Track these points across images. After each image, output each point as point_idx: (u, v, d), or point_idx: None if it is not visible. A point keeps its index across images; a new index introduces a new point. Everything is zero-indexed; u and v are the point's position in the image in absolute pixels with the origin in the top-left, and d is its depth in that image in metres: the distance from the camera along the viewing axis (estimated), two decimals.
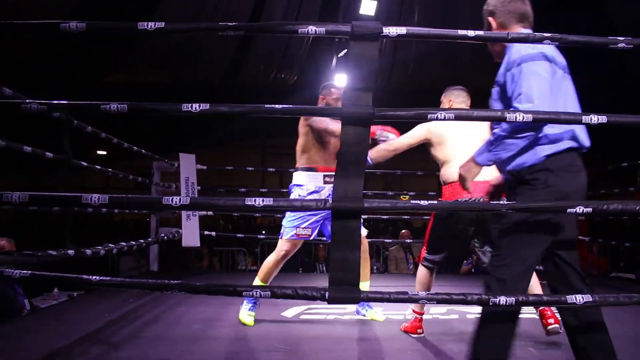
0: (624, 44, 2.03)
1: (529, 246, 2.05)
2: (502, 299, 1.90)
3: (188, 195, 5.38)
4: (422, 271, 3.47)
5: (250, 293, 1.85)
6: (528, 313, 4.09)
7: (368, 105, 1.88)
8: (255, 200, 1.84)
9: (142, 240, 4.51)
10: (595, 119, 2.00)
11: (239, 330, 3.50)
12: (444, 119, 1.88)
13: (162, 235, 5.48)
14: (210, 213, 6.34)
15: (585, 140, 2.14)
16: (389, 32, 1.93)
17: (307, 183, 3.68)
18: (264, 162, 13.87)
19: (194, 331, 3.45)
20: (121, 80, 10.73)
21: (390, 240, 7.49)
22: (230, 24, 1.95)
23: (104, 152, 13.15)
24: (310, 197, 3.64)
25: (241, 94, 9.84)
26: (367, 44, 1.91)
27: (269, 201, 1.84)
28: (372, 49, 1.91)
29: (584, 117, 2.00)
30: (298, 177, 3.76)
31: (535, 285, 3.40)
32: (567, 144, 2.08)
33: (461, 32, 1.96)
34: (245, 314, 3.67)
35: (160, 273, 6.34)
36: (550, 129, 2.05)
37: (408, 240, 7.15)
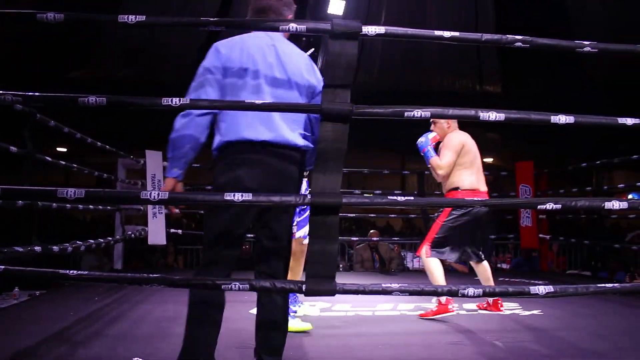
0: (589, 48, 2.12)
1: (215, 233, 2.09)
2: (471, 291, 1.96)
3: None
4: (434, 261, 3.89)
5: (229, 286, 1.86)
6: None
7: (346, 102, 1.91)
8: (234, 195, 1.86)
9: (110, 238, 4.44)
10: (563, 119, 2.09)
11: None
12: (421, 117, 1.93)
13: (129, 232, 5.41)
14: (176, 211, 6.27)
15: (260, 133, 2.06)
16: (368, 31, 1.97)
17: None
18: None
19: (162, 329, 3.43)
20: (86, 76, 10.51)
21: (357, 239, 7.57)
22: (212, 19, 1.97)
23: (64, 149, 12.86)
24: None
25: None
26: (346, 42, 1.95)
27: (247, 196, 1.85)
28: (351, 47, 1.94)
29: (552, 117, 2.09)
30: None
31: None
32: (232, 136, 2.07)
33: (437, 32, 2.02)
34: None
35: (125, 271, 6.24)
36: (222, 124, 2.09)
37: (374, 239, 7.25)
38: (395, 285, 1.93)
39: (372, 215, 9.33)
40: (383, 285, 1.93)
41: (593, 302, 4.54)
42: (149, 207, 5.63)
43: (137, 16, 1.89)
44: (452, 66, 10.62)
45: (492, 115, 2.00)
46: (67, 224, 9.83)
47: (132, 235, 5.38)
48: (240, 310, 3.97)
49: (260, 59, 2.12)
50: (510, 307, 4.24)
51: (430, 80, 10.68)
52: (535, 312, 4.13)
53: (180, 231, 6.25)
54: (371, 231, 7.59)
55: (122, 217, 5.62)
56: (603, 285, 2.15)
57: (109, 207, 5.59)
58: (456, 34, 2.03)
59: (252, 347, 2.95)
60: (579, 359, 2.90)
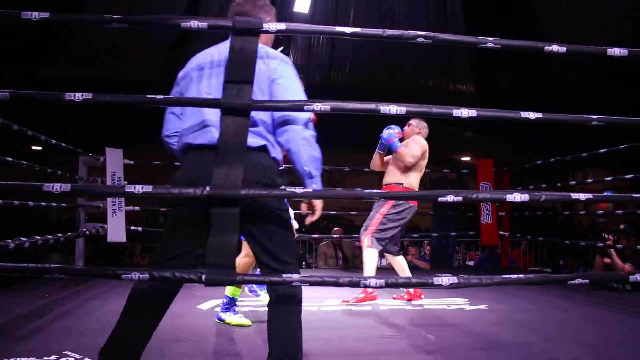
0: (492, 44, 2.17)
1: (169, 232, 2.06)
2: (373, 282, 2.01)
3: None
4: (374, 252, 4.17)
5: (130, 276, 1.89)
6: (435, 304, 4.28)
7: (247, 97, 1.95)
8: (134, 187, 1.89)
9: (59, 235, 4.45)
10: (465, 113, 2.14)
11: None
12: (320, 111, 1.98)
13: (85, 230, 5.41)
14: (136, 208, 6.30)
15: (193, 139, 2.03)
16: (268, 28, 2.02)
17: None
18: None
19: (103, 323, 3.42)
20: (59, 73, 10.48)
21: (318, 236, 7.61)
22: (115, 16, 2.00)
23: (39, 148, 12.80)
24: None
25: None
26: (247, 39, 1.99)
27: (147, 188, 1.89)
28: (252, 43, 1.99)
29: (454, 111, 2.14)
30: None
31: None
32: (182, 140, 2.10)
33: (339, 28, 2.07)
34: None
35: None
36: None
37: (335, 236, 7.31)
38: (295, 276, 1.97)
39: (344, 212, 9.42)
40: (284, 275, 1.97)
41: (542, 298, 4.64)
42: (109, 204, 5.65)
43: (41, 13, 1.93)
44: (426, 65, 10.69)
45: (394, 109, 2.05)
46: (39, 224, 9.83)
47: (88, 232, 5.39)
48: (188, 305, 4.00)
49: (207, 60, 2.11)
50: (457, 303, 4.31)
51: (403, 79, 10.75)
52: (481, 307, 4.19)
53: (140, 228, 6.25)
54: (335, 228, 7.66)
55: (79, 214, 5.62)
56: (508, 276, 2.20)
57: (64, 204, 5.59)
58: (357, 30, 2.07)
59: (188, 342, 3.01)
60: (500, 351, 2.96)
